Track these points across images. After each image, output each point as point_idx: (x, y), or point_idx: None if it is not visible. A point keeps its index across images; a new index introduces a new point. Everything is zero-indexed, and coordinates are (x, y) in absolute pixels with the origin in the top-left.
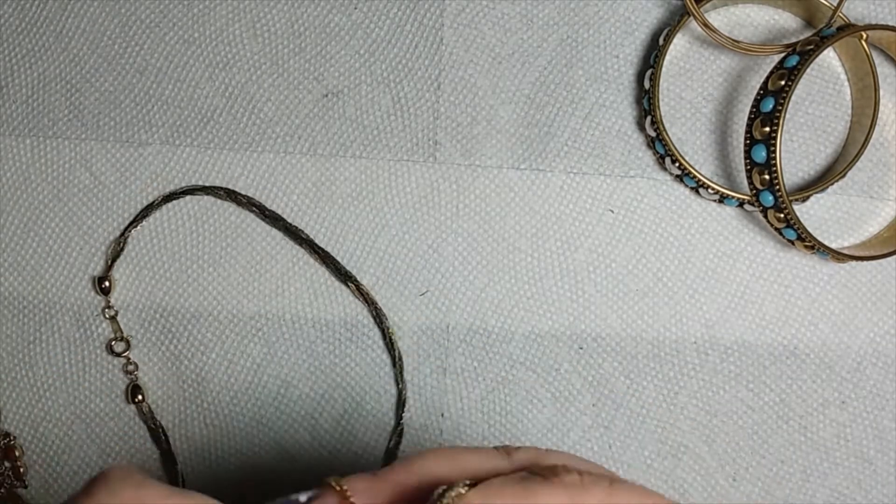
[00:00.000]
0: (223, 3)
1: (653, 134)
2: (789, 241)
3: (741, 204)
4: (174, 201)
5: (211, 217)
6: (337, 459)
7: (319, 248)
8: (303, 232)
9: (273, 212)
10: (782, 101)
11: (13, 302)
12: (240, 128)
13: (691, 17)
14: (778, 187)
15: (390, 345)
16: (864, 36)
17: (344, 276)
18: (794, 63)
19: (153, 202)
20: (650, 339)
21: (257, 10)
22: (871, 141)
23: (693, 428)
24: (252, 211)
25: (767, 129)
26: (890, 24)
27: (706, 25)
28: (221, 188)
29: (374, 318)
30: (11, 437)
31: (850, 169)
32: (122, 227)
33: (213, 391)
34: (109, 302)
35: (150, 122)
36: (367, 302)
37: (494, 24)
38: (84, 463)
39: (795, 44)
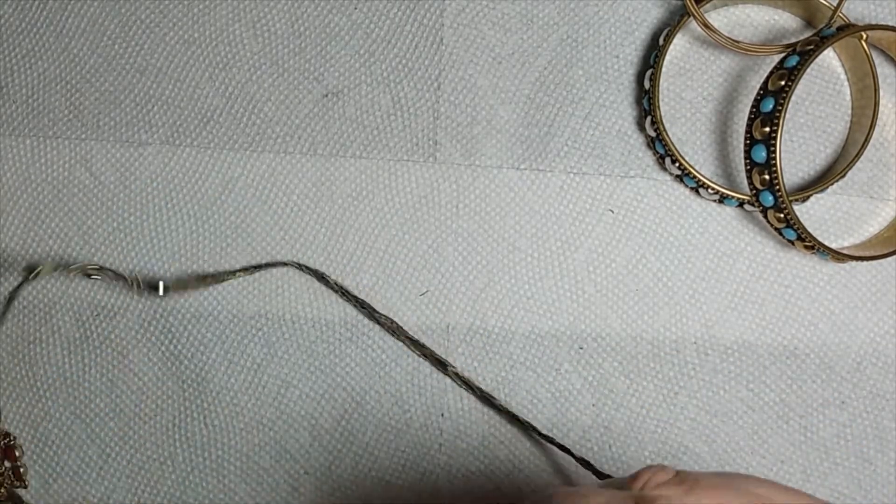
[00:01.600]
0: (223, 4)
1: (653, 134)
2: (789, 241)
3: (741, 204)
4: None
5: (211, 217)
6: (337, 459)
7: (420, 344)
8: (427, 348)
9: (421, 342)
10: (782, 102)
11: (13, 302)
12: (240, 128)
13: (691, 18)
14: (778, 187)
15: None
16: (864, 36)
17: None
18: (794, 63)
19: (241, 270)
20: (650, 339)
21: (258, 11)
22: (871, 141)
23: (693, 428)
24: (408, 347)
25: (767, 129)
26: (890, 24)
27: (706, 25)
28: (388, 320)
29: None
30: (11, 437)
31: (850, 169)
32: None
33: (213, 391)
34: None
35: (150, 122)
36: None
37: (494, 24)
38: (84, 463)
39: (795, 44)
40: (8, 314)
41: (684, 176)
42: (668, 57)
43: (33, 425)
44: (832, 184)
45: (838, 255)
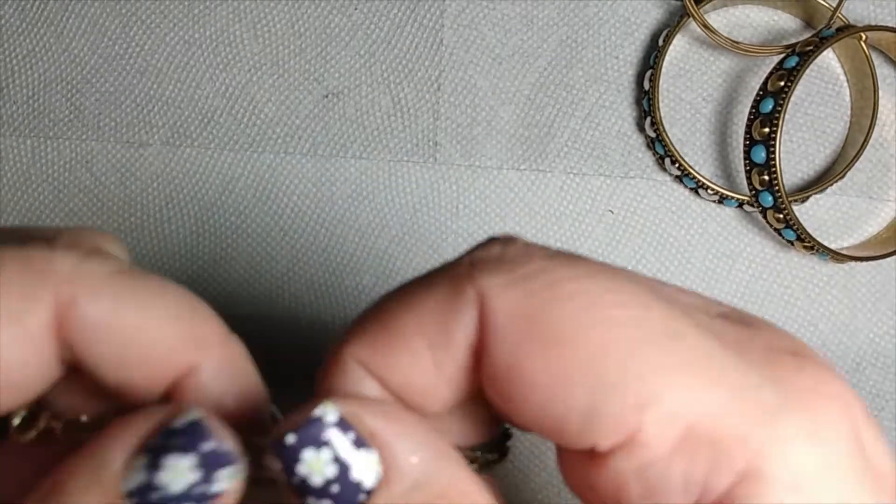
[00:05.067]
0: (223, 4)
1: (652, 135)
2: (789, 241)
3: (741, 204)
4: None
5: (212, 217)
6: None
7: None
8: None
9: None
10: (782, 102)
11: None
12: (240, 128)
13: (691, 18)
14: (777, 188)
15: None
16: (864, 37)
17: None
18: (794, 64)
19: None
20: None
21: (258, 11)
22: (871, 141)
23: None
24: None
25: (767, 129)
26: (889, 24)
27: (706, 26)
28: None
29: None
30: None
31: (849, 169)
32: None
33: None
34: None
35: (151, 123)
36: None
37: (494, 24)
38: None
39: (795, 45)
40: None
41: (684, 176)
42: (667, 58)
43: None
44: (831, 184)
45: (838, 256)
